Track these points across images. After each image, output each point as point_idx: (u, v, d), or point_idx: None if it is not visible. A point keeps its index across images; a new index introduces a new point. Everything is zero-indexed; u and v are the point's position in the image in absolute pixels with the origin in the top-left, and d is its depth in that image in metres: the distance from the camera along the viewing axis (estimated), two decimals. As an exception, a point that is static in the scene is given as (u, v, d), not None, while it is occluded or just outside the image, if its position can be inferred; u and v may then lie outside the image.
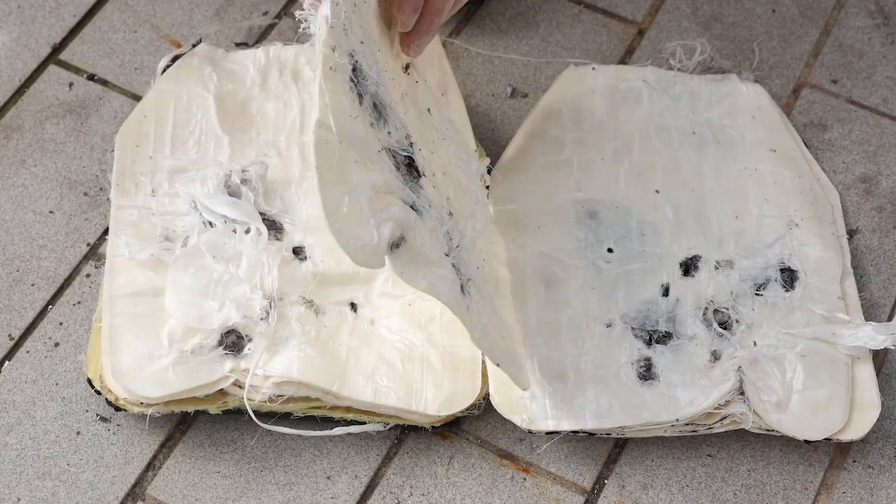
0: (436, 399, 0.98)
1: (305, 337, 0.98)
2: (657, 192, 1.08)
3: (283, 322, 0.99)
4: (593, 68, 1.15)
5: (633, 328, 1.01)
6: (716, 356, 0.99)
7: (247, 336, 0.98)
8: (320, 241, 1.03)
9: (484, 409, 1.00)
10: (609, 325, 1.01)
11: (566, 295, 1.03)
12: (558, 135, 1.11)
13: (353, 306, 1.02)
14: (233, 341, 0.98)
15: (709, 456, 1.00)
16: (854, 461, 1.00)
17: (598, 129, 1.11)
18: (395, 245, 0.88)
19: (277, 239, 1.03)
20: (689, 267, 1.04)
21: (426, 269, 0.90)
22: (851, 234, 1.09)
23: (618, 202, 1.07)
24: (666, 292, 1.03)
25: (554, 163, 1.10)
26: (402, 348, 1.00)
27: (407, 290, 1.02)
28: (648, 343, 1.00)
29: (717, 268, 1.04)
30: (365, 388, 0.98)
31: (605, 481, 0.99)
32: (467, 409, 0.99)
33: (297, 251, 1.03)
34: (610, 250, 1.05)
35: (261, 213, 1.04)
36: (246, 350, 0.97)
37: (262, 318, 0.98)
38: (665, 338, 1.01)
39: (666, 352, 1.00)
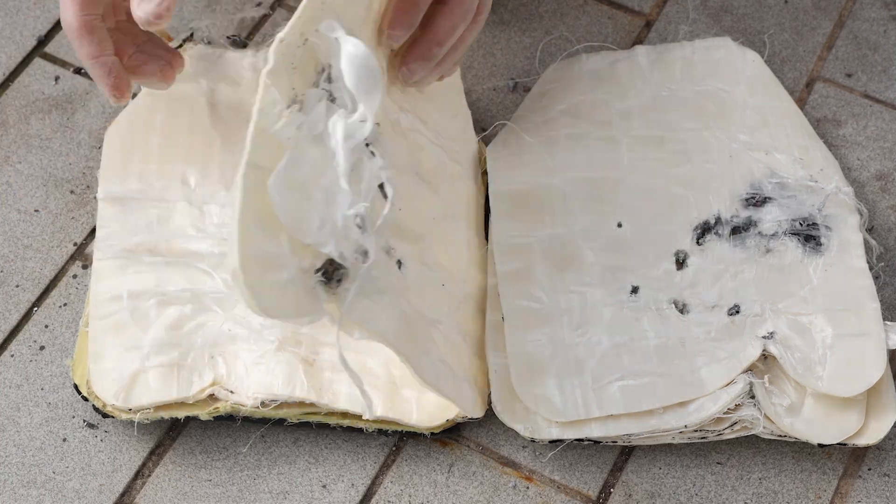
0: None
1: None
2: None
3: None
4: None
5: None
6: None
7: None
8: None
9: (485, 415, 0.98)
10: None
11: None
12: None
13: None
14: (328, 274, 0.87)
15: (718, 464, 0.99)
16: (869, 469, 0.99)
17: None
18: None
19: None
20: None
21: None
22: (867, 232, 1.07)
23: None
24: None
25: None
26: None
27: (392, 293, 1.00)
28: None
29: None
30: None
31: (612, 490, 0.98)
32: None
33: None
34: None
35: None
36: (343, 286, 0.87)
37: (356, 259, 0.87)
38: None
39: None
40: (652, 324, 0.99)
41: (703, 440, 0.98)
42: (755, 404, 0.96)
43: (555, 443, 0.97)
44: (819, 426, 0.96)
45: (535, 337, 0.99)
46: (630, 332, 0.99)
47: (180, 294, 0.99)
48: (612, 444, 0.98)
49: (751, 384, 0.97)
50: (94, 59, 0.95)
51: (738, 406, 0.96)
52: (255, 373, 0.96)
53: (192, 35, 1.13)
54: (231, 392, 0.96)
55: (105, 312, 0.98)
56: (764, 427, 0.96)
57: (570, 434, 0.96)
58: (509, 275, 1.02)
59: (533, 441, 0.97)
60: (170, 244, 1.01)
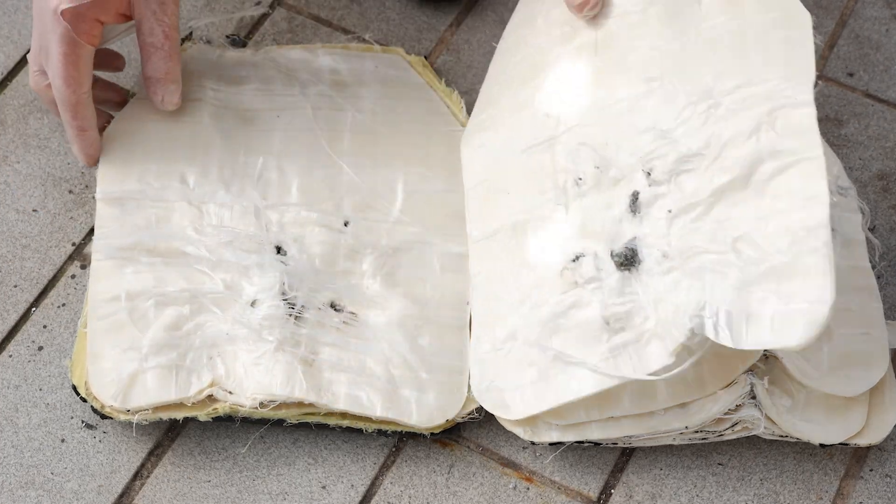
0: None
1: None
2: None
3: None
4: None
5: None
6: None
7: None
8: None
9: (485, 415, 0.98)
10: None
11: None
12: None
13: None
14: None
15: (719, 465, 0.98)
16: (871, 470, 0.98)
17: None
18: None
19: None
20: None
21: None
22: (869, 231, 1.07)
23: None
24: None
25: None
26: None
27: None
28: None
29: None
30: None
31: (612, 491, 0.97)
32: (468, 415, 0.97)
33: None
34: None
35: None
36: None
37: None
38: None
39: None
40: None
41: (703, 441, 0.97)
42: (756, 404, 0.96)
43: (555, 445, 0.96)
44: (820, 426, 0.96)
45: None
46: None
47: (179, 294, 0.98)
48: (612, 445, 0.97)
49: (752, 384, 0.96)
50: (82, 132, 1.02)
51: (738, 406, 0.96)
52: (254, 373, 0.95)
53: (191, 34, 1.13)
54: (230, 393, 0.95)
55: (104, 313, 0.98)
56: (765, 427, 0.96)
57: (570, 436, 0.95)
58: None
59: (533, 444, 0.96)
60: (168, 244, 1.01)
